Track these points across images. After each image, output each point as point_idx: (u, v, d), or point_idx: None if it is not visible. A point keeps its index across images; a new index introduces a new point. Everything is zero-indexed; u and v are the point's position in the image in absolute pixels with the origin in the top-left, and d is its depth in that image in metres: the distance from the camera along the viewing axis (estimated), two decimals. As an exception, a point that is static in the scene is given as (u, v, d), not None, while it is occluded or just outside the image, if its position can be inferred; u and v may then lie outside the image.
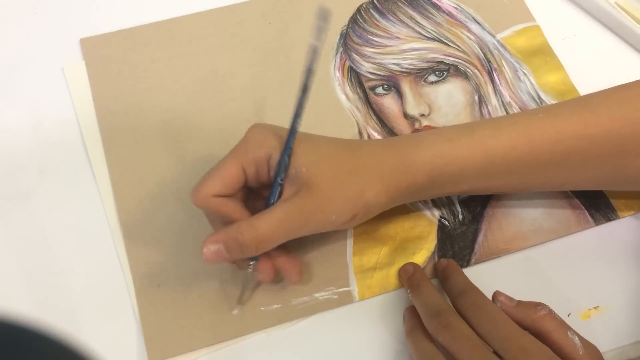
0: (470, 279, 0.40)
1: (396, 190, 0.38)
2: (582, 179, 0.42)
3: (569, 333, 0.36)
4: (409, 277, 0.41)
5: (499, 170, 0.39)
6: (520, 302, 0.38)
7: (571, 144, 0.39)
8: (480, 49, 0.52)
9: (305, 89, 0.36)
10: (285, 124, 0.38)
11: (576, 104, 0.41)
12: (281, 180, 0.37)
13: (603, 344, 0.38)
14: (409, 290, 0.40)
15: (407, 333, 0.39)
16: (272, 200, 0.38)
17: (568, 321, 0.37)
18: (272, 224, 0.36)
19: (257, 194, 0.40)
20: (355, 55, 0.51)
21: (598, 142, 0.39)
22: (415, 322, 0.39)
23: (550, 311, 0.37)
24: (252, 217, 0.37)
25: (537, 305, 0.37)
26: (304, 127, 0.38)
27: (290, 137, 0.37)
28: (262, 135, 0.38)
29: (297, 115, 0.37)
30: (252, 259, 0.39)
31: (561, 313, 0.37)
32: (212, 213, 0.39)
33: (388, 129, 0.48)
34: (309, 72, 0.35)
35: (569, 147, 0.39)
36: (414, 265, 0.42)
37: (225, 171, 0.37)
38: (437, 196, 0.43)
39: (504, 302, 0.38)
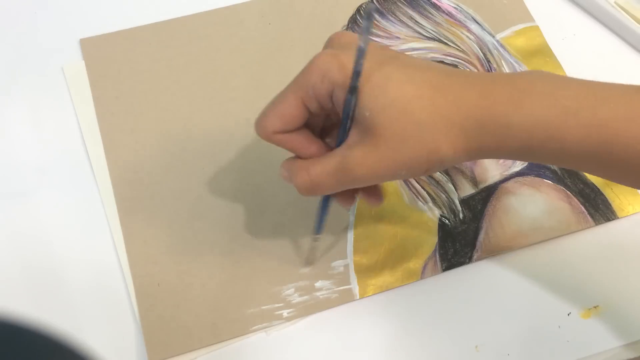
0: (471, 276, 0.40)
1: (479, 150, 0.32)
2: None
3: None
4: None
5: (623, 163, 0.30)
6: None
7: None
8: (480, 49, 0.52)
9: (353, 90, 0.31)
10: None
11: None
12: (348, 126, 0.33)
13: (603, 343, 0.38)
14: None
15: None
16: (340, 140, 0.34)
17: (568, 320, 0.37)
18: (325, 172, 0.33)
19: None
20: (355, 55, 0.51)
21: None
22: None
23: None
24: (311, 160, 0.34)
25: None
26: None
27: (355, 78, 0.31)
28: (326, 66, 0.32)
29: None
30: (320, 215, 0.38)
31: (561, 312, 0.37)
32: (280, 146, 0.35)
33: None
34: (357, 74, 0.31)
35: None
36: None
37: (285, 107, 0.33)
38: (534, 162, 0.36)
39: None
